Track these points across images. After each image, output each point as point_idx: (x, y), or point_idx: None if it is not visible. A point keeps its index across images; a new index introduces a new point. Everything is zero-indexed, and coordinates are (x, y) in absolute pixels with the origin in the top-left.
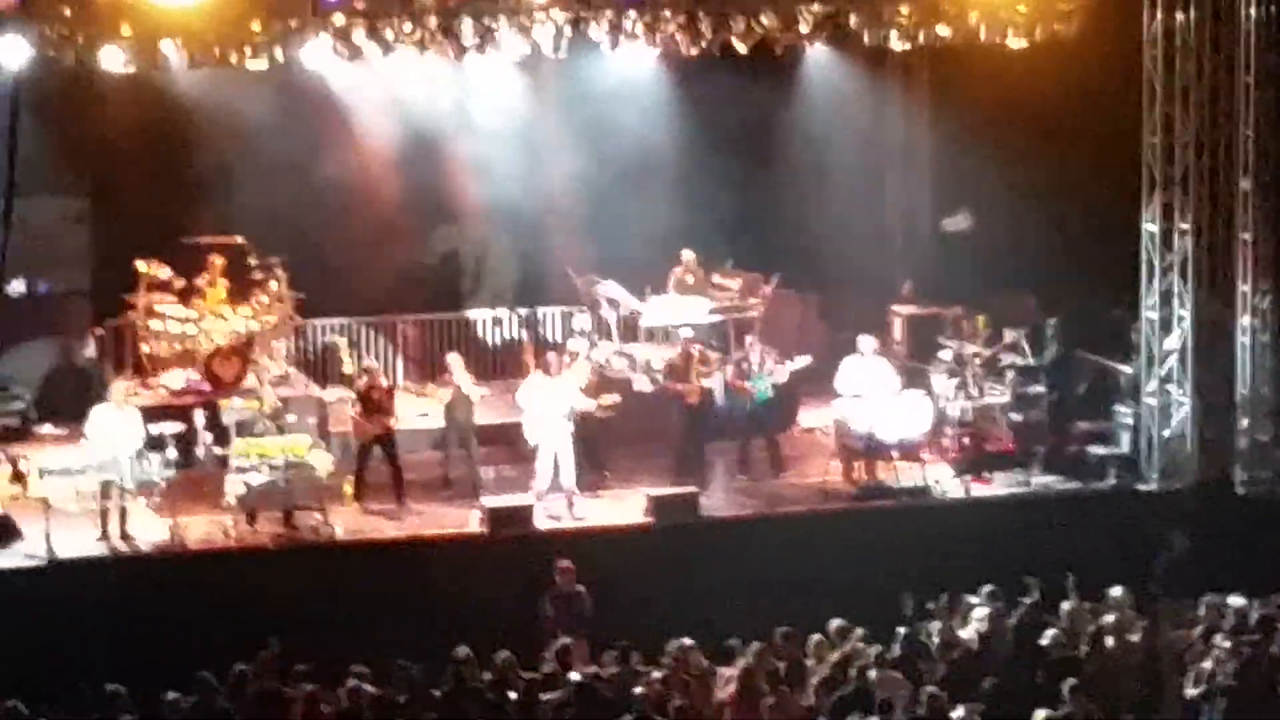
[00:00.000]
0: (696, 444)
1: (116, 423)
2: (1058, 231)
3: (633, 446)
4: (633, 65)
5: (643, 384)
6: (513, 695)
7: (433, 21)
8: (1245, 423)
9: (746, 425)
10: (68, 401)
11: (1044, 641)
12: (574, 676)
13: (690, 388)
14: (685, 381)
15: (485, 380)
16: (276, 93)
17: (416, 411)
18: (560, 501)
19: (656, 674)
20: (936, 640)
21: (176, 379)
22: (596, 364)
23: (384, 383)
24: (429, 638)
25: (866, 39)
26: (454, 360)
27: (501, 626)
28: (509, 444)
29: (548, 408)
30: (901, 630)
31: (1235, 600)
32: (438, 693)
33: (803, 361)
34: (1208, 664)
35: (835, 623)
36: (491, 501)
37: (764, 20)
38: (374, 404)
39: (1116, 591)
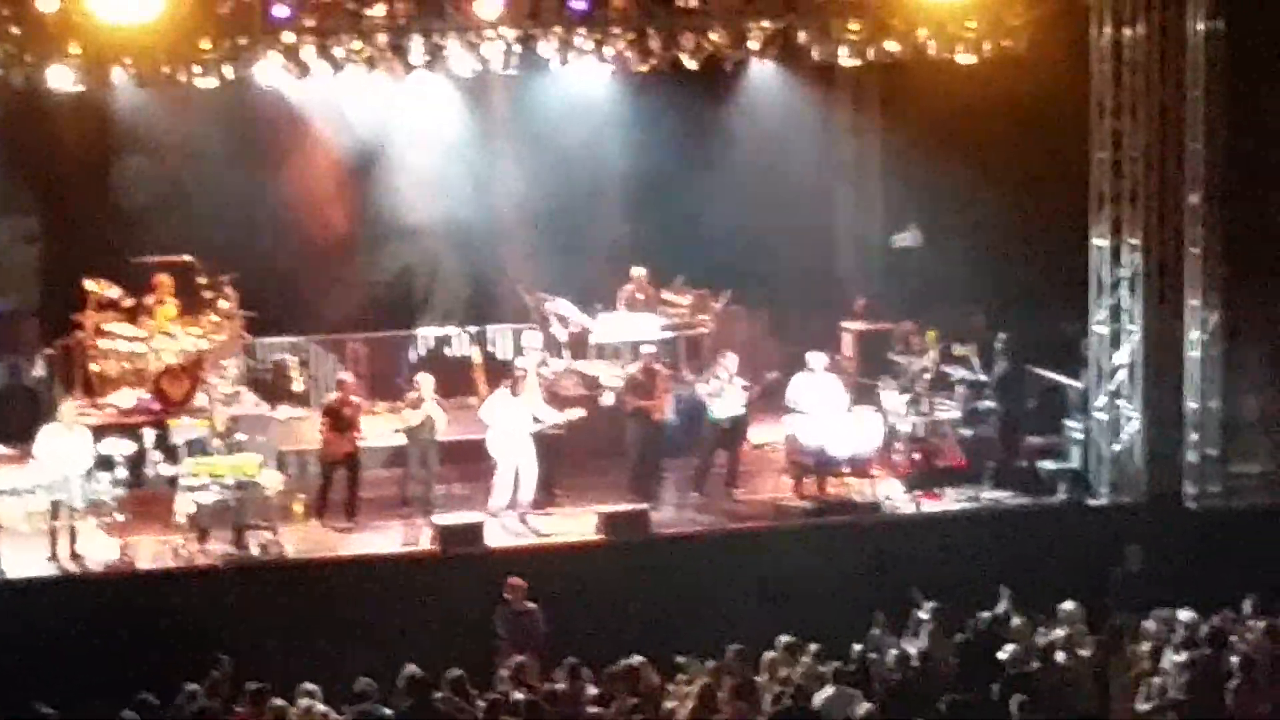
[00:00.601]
0: (653, 460)
1: (65, 442)
2: (1007, 247)
3: (585, 463)
4: (583, 82)
5: (603, 400)
6: (466, 716)
7: (382, 39)
8: (1195, 437)
9: (708, 442)
10: (16, 421)
11: (1001, 657)
12: (522, 695)
13: (655, 404)
14: (649, 398)
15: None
16: (227, 111)
17: (388, 429)
18: (517, 517)
19: (608, 691)
20: (890, 656)
21: (126, 398)
22: (547, 381)
23: (355, 399)
24: (381, 656)
25: (816, 55)
26: (424, 380)
27: (454, 644)
28: (461, 461)
29: (512, 423)
30: (855, 646)
31: (1185, 614)
32: (390, 711)
33: (773, 376)
34: (1158, 679)
35: (784, 639)
36: (443, 519)
37: (713, 36)
38: (344, 420)
39: (1068, 606)
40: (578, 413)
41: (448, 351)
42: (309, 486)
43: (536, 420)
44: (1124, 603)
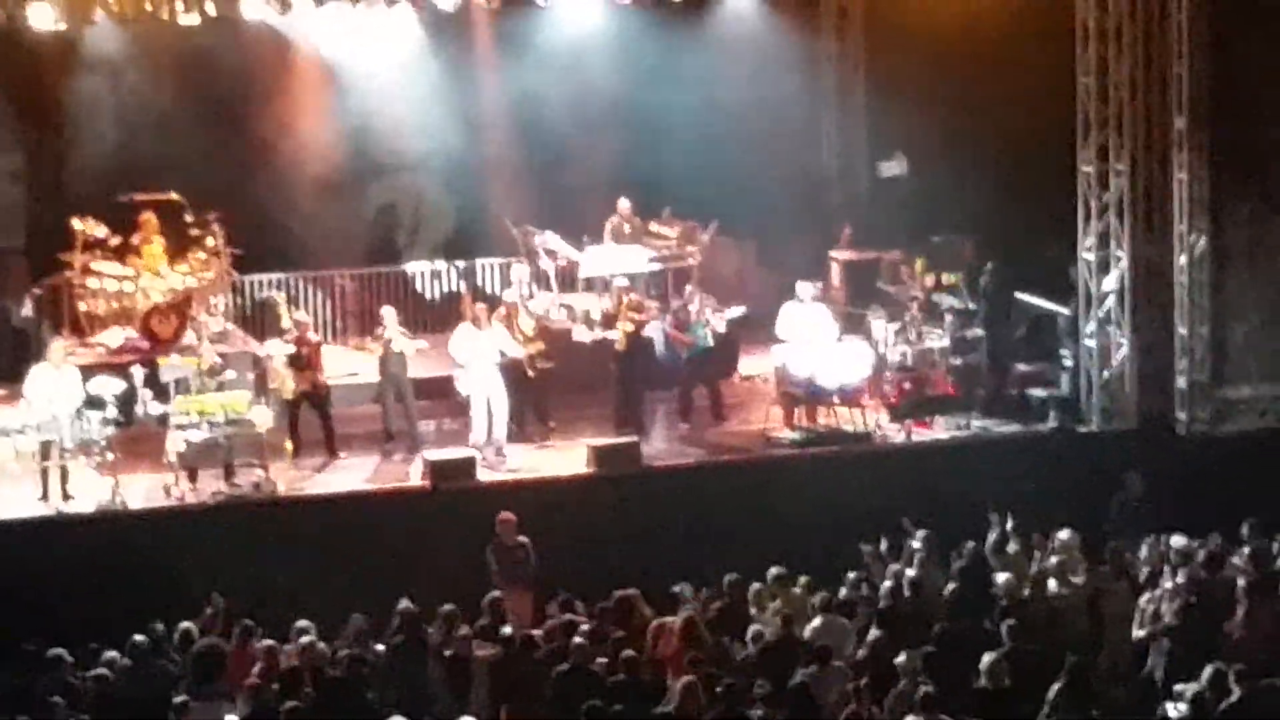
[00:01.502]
0: (633, 392)
1: (55, 382)
2: (995, 174)
3: (574, 397)
4: (568, 14)
5: (582, 334)
6: (456, 649)
7: None
8: (1184, 363)
9: (688, 373)
10: (5, 361)
11: (996, 584)
12: (510, 630)
13: (619, 334)
14: (612, 328)
15: (426, 333)
16: (211, 48)
17: (348, 368)
18: (494, 452)
19: (600, 624)
20: (881, 586)
21: (115, 337)
22: (537, 315)
23: (313, 337)
24: (373, 592)
25: None
26: (387, 313)
27: (446, 580)
28: (448, 396)
29: (478, 358)
30: (847, 576)
31: (1178, 540)
32: (384, 646)
33: (738, 311)
34: (1152, 605)
35: (774, 570)
36: (433, 454)
37: None
38: (302, 359)
39: (1063, 534)
40: (538, 346)
41: (436, 286)
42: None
43: (502, 354)
44: (1118, 529)
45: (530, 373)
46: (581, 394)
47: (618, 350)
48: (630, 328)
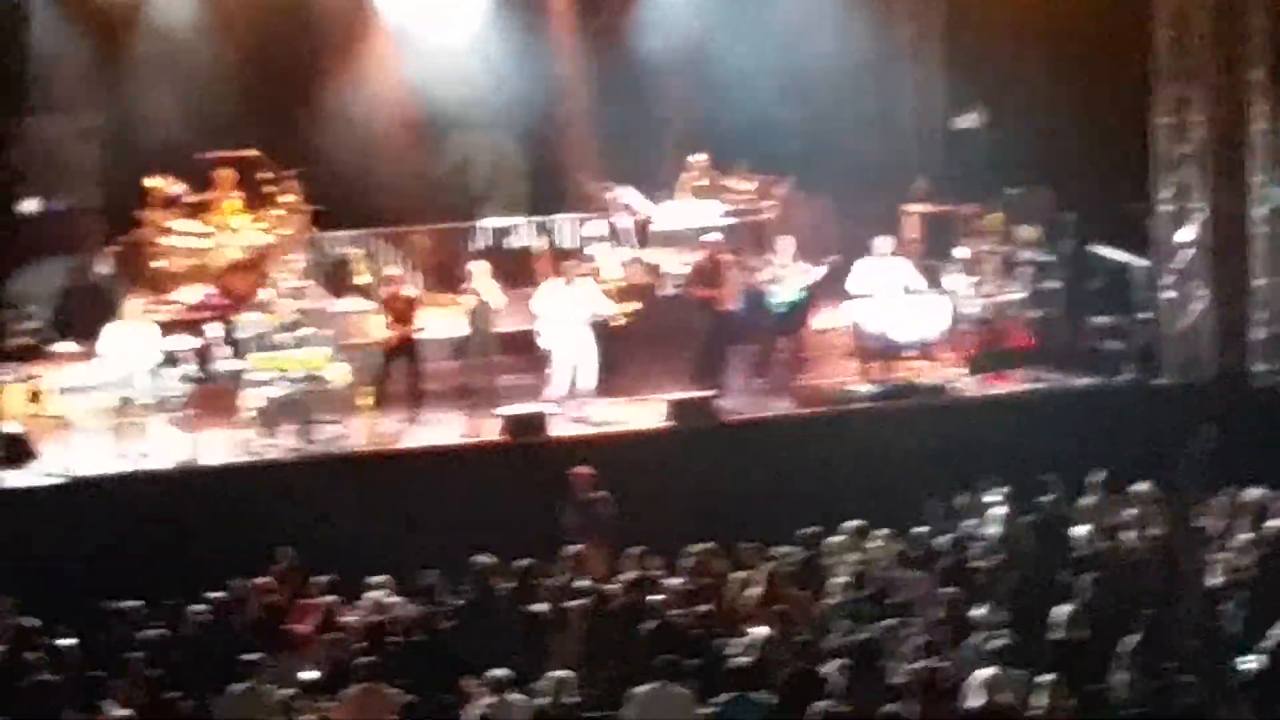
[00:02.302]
0: (719, 348)
1: (133, 339)
2: (1071, 126)
3: (652, 351)
4: None
5: (664, 289)
6: (535, 605)
7: None
8: (1261, 315)
9: (769, 328)
10: (83, 319)
11: (1073, 538)
12: (592, 584)
13: (721, 293)
14: (714, 286)
15: (503, 289)
16: (286, 3)
17: (440, 320)
18: (577, 407)
19: (677, 579)
20: (956, 539)
21: (192, 294)
22: (620, 269)
23: (406, 292)
24: (449, 548)
25: None
26: (478, 267)
27: (522, 535)
28: (526, 351)
29: (565, 314)
30: (922, 530)
31: (1254, 492)
32: (460, 602)
33: (832, 261)
34: (1228, 556)
35: (853, 524)
36: (509, 409)
37: None
38: (397, 313)
39: (1140, 486)
40: (633, 305)
41: (511, 242)
42: (374, 379)
43: (593, 312)
44: (1193, 481)
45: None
46: (659, 348)
47: (720, 308)
48: (731, 286)
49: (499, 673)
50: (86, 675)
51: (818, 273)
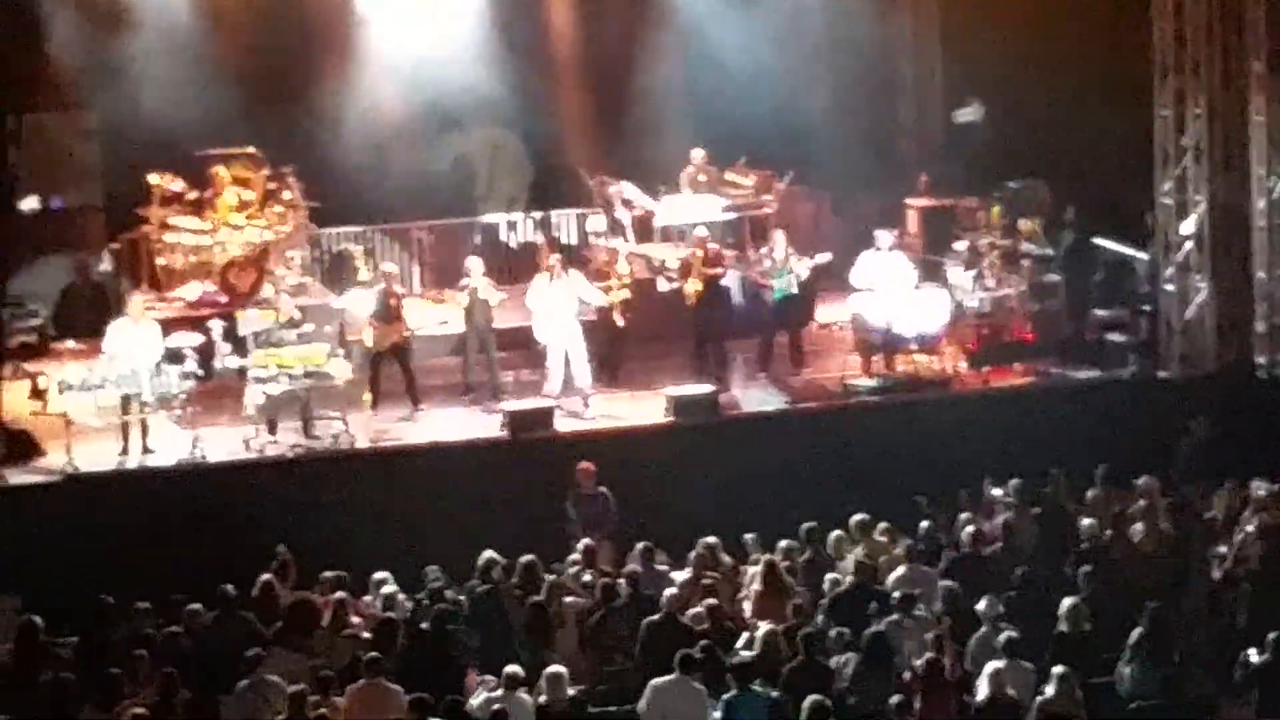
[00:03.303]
0: (711, 342)
1: (135, 336)
2: (1072, 119)
3: (652, 346)
4: None
5: (660, 284)
6: (538, 598)
7: None
8: (1263, 307)
9: (767, 322)
10: (85, 316)
11: (1079, 531)
12: (597, 578)
13: (691, 288)
14: (686, 279)
15: (503, 285)
16: (285, 1)
17: (436, 318)
18: (576, 402)
19: (682, 573)
20: (960, 533)
21: (193, 291)
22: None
23: (398, 289)
24: (453, 544)
25: None
26: (473, 263)
27: (526, 530)
28: (528, 347)
29: (555, 307)
30: (924, 524)
31: (1258, 484)
32: (464, 598)
33: (824, 258)
34: (1232, 550)
35: (857, 518)
36: (512, 405)
37: None
38: (389, 311)
39: (1142, 479)
40: (623, 294)
41: (512, 237)
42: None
43: (581, 303)
44: (1196, 474)
45: (621, 321)
46: (660, 343)
47: (690, 304)
48: (699, 285)
49: (507, 669)
50: (95, 673)
51: (805, 266)
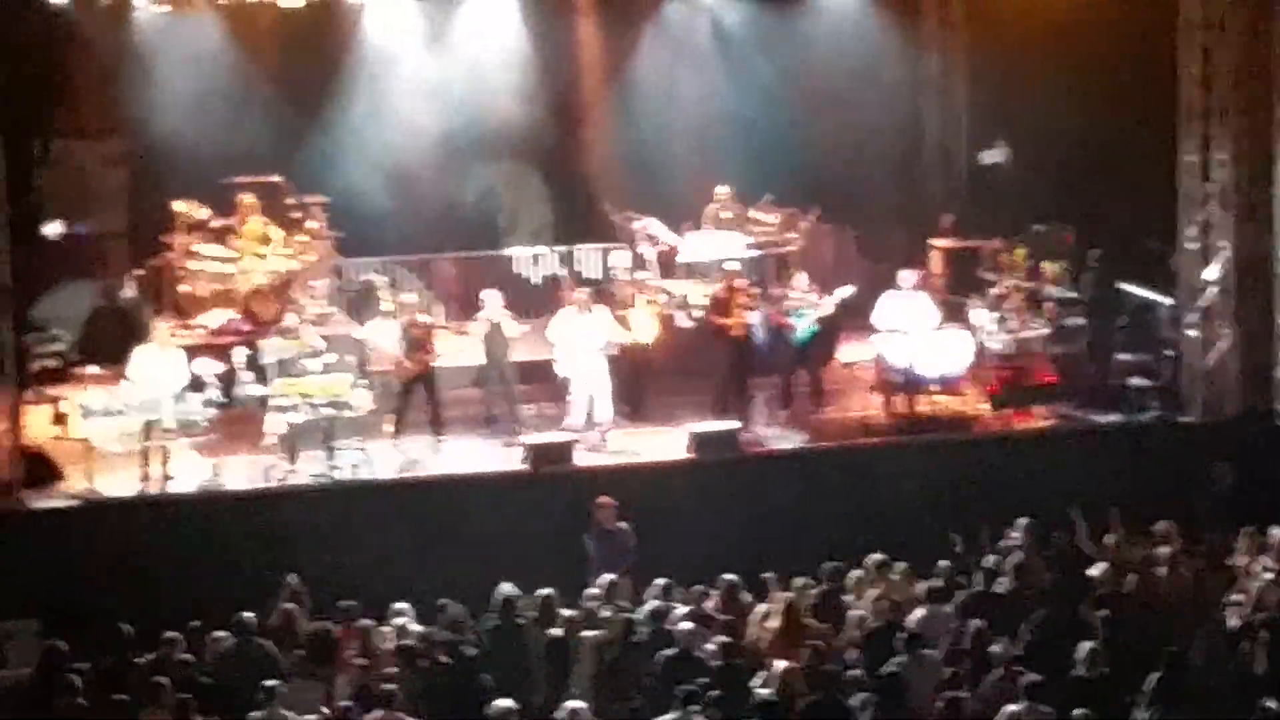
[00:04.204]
0: (739, 379)
1: (159, 363)
2: (1097, 163)
3: (674, 382)
4: (672, 2)
5: (683, 320)
6: (556, 632)
7: None
8: None
9: (788, 360)
10: (107, 342)
11: (1092, 574)
12: (614, 613)
13: (733, 321)
14: (727, 315)
15: (526, 318)
16: (311, 32)
17: (450, 350)
18: (596, 436)
19: (701, 610)
20: (979, 574)
21: (216, 318)
22: (657, 298)
23: (423, 319)
24: (472, 576)
25: None
26: (490, 296)
27: (544, 564)
28: (550, 381)
29: (579, 342)
30: (943, 564)
31: (1276, 531)
32: (480, 629)
33: (846, 292)
34: (1251, 596)
35: (874, 557)
36: (533, 438)
37: None
38: (413, 340)
39: (1160, 525)
40: (648, 331)
41: (536, 271)
42: (394, 408)
43: (607, 340)
44: (1217, 520)
45: (646, 355)
46: (682, 379)
47: (732, 336)
48: (745, 317)
49: (517, 703)
50: (114, 699)
51: (828, 304)
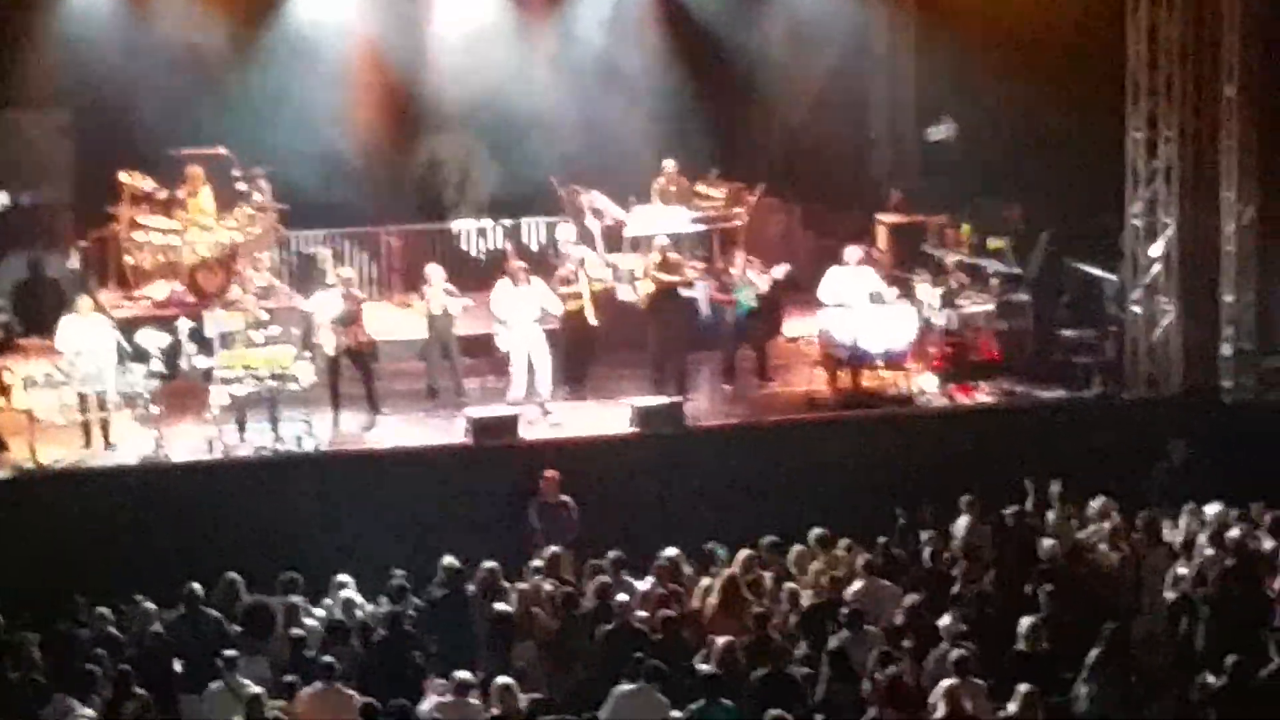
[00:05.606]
0: (667, 351)
1: (85, 333)
2: (1043, 139)
3: (618, 356)
4: None
5: (626, 294)
6: (502, 606)
7: None
8: (1230, 331)
9: (732, 335)
10: (49, 313)
11: (1039, 551)
12: (558, 587)
13: (640, 290)
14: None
15: (471, 291)
16: (257, 2)
17: (394, 324)
18: (537, 410)
19: (643, 584)
20: (923, 549)
21: (160, 290)
22: (568, 273)
23: (357, 294)
24: (415, 549)
25: None
26: (433, 271)
27: (487, 537)
28: (493, 354)
29: (518, 314)
30: (884, 539)
31: (1216, 508)
32: (424, 602)
33: (781, 271)
34: (1190, 572)
35: (816, 532)
36: (476, 412)
37: None
38: (347, 314)
39: (1099, 500)
40: (582, 303)
41: (481, 244)
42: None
43: (542, 311)
44: (1160, 497)
45: (588, 326)
46: (626, 353)
47: (641, 308)
48: (652, 287)
49: (461, 674)
50: (53, 673)
51: (764, 280)
